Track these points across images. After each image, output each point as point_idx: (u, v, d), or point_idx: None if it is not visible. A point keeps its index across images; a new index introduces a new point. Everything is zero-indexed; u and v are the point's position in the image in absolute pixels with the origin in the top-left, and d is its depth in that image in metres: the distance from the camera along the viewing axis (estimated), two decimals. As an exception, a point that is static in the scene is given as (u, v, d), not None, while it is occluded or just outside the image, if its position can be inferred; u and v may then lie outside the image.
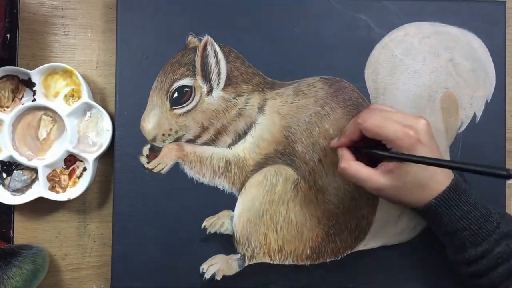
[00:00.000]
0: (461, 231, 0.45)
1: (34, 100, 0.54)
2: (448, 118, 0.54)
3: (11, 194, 0.54)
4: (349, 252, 0.54)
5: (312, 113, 0.54)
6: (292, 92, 0.54)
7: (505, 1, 0.55)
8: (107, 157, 0.55)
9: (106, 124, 0.54)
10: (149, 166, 0.53)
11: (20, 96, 0.54)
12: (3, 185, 0.54)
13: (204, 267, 0.54)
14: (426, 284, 0.55)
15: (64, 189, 0.54)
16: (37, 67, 0.53)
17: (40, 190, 0.53)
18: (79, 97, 0.54)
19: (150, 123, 0.53)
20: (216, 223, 0.54)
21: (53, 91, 0.54)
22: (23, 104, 0.54)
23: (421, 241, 0.54)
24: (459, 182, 0.46)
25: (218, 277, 0.53)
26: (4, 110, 0.54)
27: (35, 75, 0.53)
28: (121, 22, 0.53)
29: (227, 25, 0.54)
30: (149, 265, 0.53)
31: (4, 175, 0.54)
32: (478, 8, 0.55)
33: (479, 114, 0.55)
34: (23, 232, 0.55)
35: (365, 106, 0.54)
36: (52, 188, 0.54)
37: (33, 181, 0.54)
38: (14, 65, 0.55)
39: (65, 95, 0.54)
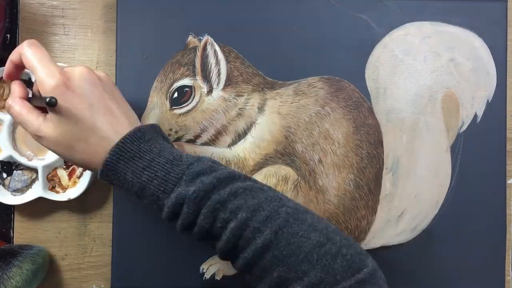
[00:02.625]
0: (149, 183, 0.39)
1: None
2: (449, 118, 0.54)
3: (11, 194, 0.54)
4: (349, 252, 0.54)
5: (312, 113, 0.54)
6: (292, 92, 0.54)
7: (506, 1, 0.55)
8: (107, 157, 0.55)
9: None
10: (149, 166, 0.53)
11: None
12: (3, 185, 0.54)
13: (204, 267, 0.54)
14: (425, 284, 0.54)
15: (64, 189, 0.54)
16: None
17: (40, 190, 0.53)
18: None
19: (150, 123, 0.53)
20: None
21: None
22: None
23: (421, 241, 0.54)
24: (140, 133, 0.40)
25: (218, 277, 0.53)
26: (4, 110, 0.54)
27: None
28: (121, 22, 0.53)
29: (227, 25, 0.54)
30: (149, 265, 0.53)
31: (4, 175, 0.54)
32: (479, 8, 0.55)
33: (480, 114, 0.55)
34: (23, 232, 0.55)
35: (366, 105, 0.54)
36: (52, 188, 0.54)
37: (33, 181, 0.54)
38: None
39: None
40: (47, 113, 0.40)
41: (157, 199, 0.39)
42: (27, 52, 0.40)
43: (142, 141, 0.39)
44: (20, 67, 0.42)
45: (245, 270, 0.40)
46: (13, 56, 0.41)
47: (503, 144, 0.54)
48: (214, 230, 0.39)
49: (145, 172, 0.39)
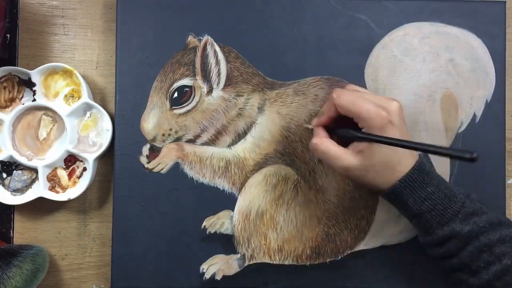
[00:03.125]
0: (427, 213, 0.45)
1: (34, 100, 0.54)
2: (448, 118, 0.54)
3: (11, 194, 0.54)
4: (349, 252, 0.54)
5: (312, 113, 0.54)
6: (292, 92, 0.54)
7: (505, 1, 0.55)
8: (107, 157, 0.55)
9: (106, 124, 0.54)
10: (149, 166, 0.53)
11: (20, 96, 0.54)
12: (3, 185, 0.54)
13: (204, 267, 0.54)
14: (425, 283, 0.55)
15: (64, 189, 0.54)
16: (37, 67, 0.53)
17: (40, 190, 0.53)
18: (79, 97, 0.54)
19: (150, 123, 0.53)
20: (216, 223, 0.54)
21: (53, 91, 0.54)
22: (23, 104, 0.54)
23: (421, 241, 0.54)
24: (423, 164, 0.45)
25: (218, 277, 0.53)
26: (4, 110, 0.54)
27: (35, 75, 0.53)
28: (121, 22, 0.54)
29: (227, 25, 0.54)
30: (149, 265, 0.53)
31: (4, 175, 0.54)
32: (478, 8, 0.55)
33: (479, 114, 0.55)
34: (23, 232, 0.55)
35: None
36: (52, 188, 0.54)
37: (33, 181, 0.54)
38: (14, 65, 0.55)
39: (65, 95, 0.54)
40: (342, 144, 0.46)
41: (430, 226, 0.45)
42: (341, 101, 0.45)
43: (424, 173, 0.45)
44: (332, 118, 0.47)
45: None
46: (330, 112, 0.47)
47: (502, 144, 0.55)
48: (473, 267, 0.44)
49: (425, 202, 0.45)
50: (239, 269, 0.54)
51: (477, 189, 0.54)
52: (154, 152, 0.53)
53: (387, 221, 0.54)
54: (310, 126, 0.51)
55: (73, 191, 0.54)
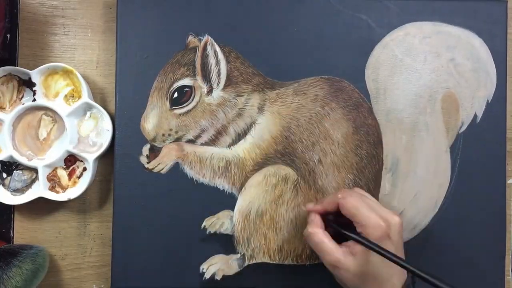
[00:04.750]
0: None
1: (34, 100, 0.54)
2: (449, 118, 0.54)
3: (11, 194, 0.54)
4: (349, 252, 0.54)
5: (312, 113, 0.54)
6: (292, 92, 0.54)
7: (506, 1, 0.55)
8: (107, 157, 0.55)
9: (106, 124, 0.54)
10: (149, 166, 0.53)
11: (20, 96, 0.54)
12: (3, 185, 0.54)
13: (204, 267, 0.54)
14: (425, 283, 0.54)
15: (64, 189, 0.54)
16: (37, 67, 0.53)
17: (40, 190, 0.53)
18: (79, 97, 0.54)
19: (150, 123, 0.53)
20: (216, 223, 0.54)
21: (53, 91, 0.54)
22: (23, 104, 0.54)
23: (420, 241, 0.54)
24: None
25: (218, 277, 0.53)
26: (4, 110, 0.54)
27: (35, 75, 0.53)
28: (121, 22, 0.53)
29: (227, 25, 0.54)
30: (149, 265, 0.53)
31: (4, 175, 0.54)
32: (479, 8, 0.55)
33: (479, 114, 0.55)
34: (23, 232, 0.56)
35: (365, 106, 0.54)
36: (52, 188, 0.54)
37: (33, 181, 0.54)
38: (14, 65, 0.55)
39: (65, 95, 0.54)
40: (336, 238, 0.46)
41: None
42: (346, 202, 0.45)
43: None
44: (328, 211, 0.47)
45: None
46: (330, 207, 0.47)
47: (503, 144, 0.54)
48: None
49: None
50: (239, 269, 0.54)
51: (477, 189, 0.54)
52: (154, 152, 0.53)
53: (387, 222, 0.54)
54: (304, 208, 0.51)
55: (73, 191, 0.54)
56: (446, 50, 0.54)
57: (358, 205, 0.45)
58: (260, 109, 0.54)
